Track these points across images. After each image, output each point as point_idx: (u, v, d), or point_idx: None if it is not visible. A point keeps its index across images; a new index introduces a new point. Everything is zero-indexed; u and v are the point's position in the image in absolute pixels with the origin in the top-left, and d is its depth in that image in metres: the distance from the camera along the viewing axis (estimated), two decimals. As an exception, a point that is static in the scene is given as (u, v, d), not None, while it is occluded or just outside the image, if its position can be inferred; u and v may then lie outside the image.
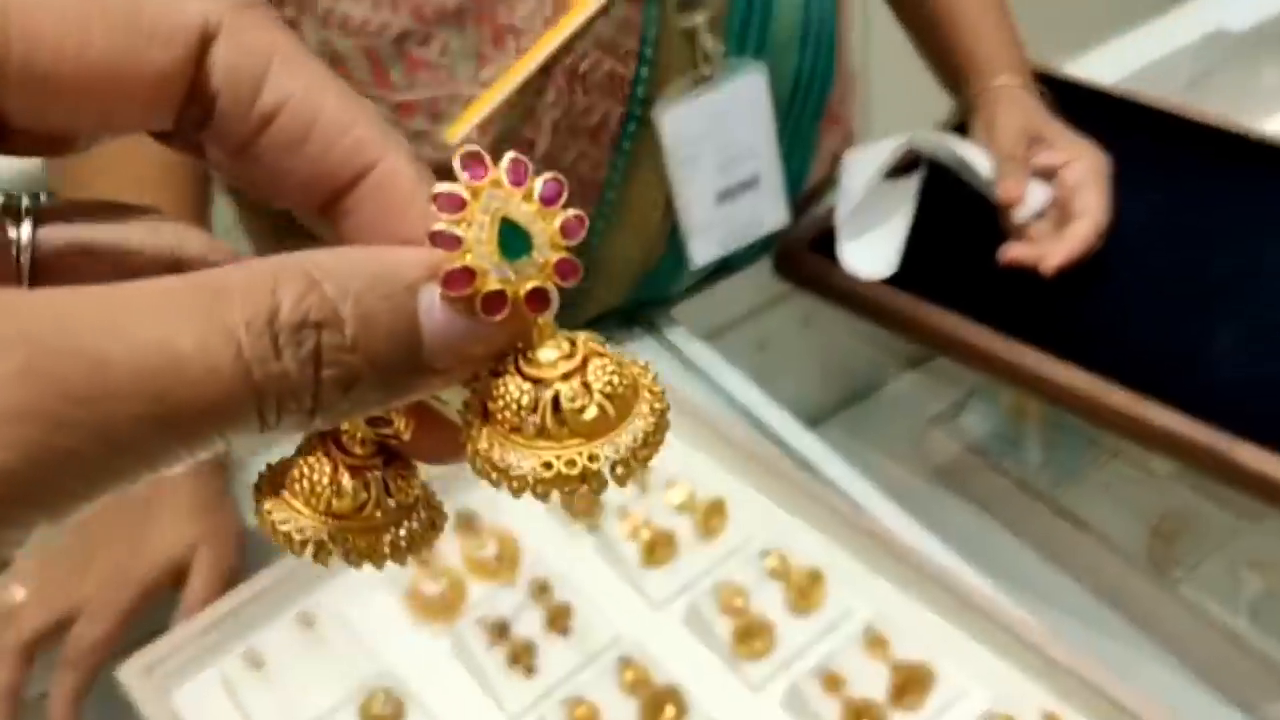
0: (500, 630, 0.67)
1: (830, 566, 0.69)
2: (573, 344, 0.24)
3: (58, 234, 0.25)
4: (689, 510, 0.72)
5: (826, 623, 0.67)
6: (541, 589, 0.69)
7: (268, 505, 0.27)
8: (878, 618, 0.67)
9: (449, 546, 0.72)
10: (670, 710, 0.63)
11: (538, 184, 0.23)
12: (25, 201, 0.25)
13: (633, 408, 0.24)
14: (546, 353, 0.24)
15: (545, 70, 0.73)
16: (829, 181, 0.96)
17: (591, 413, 0.23)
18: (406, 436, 0.27)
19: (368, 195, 0.24)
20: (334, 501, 0.27)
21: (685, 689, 0.64)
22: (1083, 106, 0.95)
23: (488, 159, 0.23)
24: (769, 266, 0.93)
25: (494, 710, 0.65)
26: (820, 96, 0.89)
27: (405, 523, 0.27)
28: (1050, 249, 0.83)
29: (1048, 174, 0.86)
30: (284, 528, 0.27)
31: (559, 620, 0.67)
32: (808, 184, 0.95)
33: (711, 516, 0.72)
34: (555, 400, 0.24)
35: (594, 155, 0.78)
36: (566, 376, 0.24)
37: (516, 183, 0.23)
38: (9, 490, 0.18)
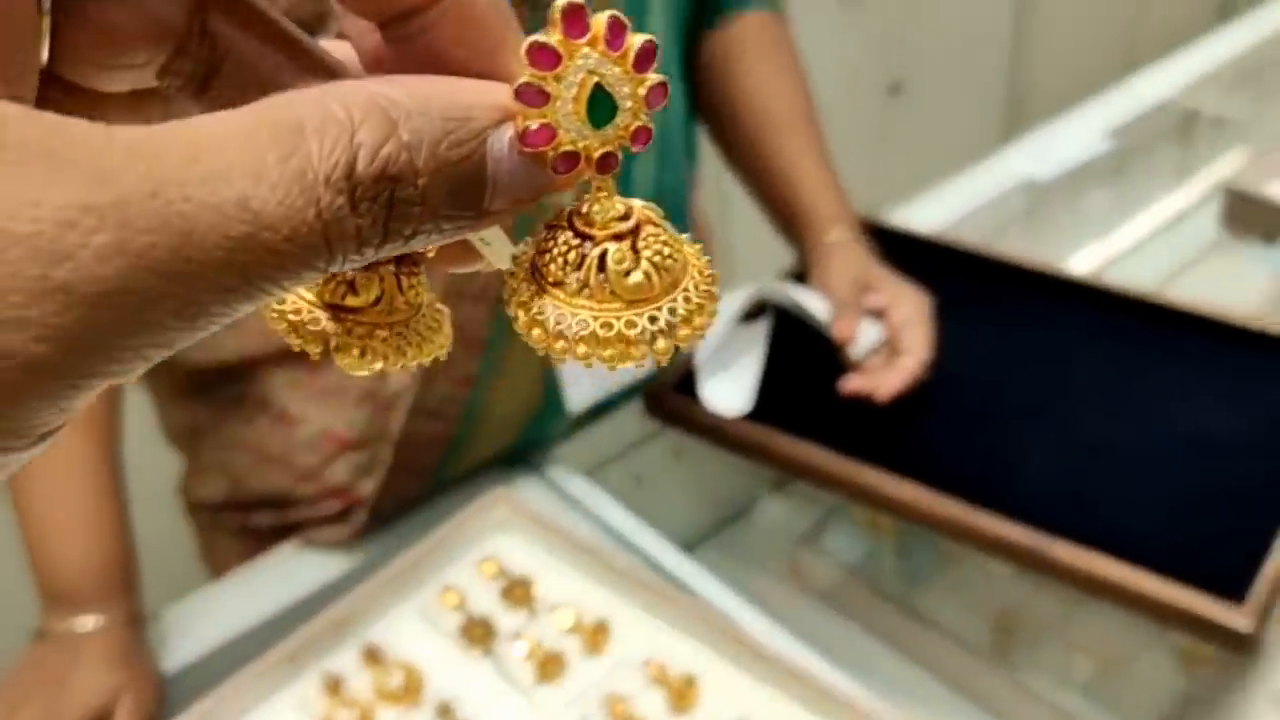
0: (410, 750, 0.74)
1: (703, 671, 0.78)
2: (630, 208, 0.24)
3: None
4: (576, 631, 0.81)
5: (702, 722, 0.76)
6: (445, 711, 0.76)
7: (280, 305, 0.26)
8: (748, 713, 0.75)
9: (358, 682, 0.78)
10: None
11: (636, 43, 0.23)
12: None
13: (680, 283, 0.24)
14: (602, 211, 0.24)
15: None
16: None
17: (636, 277, 0.23)
18: (432, 254, 0.27)
19: (438, 21, 0.23)
20: (349, 297, 0.26)
21: (579, 791, 0.72)
22: (906, 252, 1.08)
23: (589, 15, 0.22)
24: (640, 407, 1.03)
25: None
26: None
27: (414, 320, 0.27)
28: (883, 380, 0.95)
29: (878, 314, 0.98)
30: (294, 318, 0.26)
31: (463, 738, 0.75)
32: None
33: (596, 635, 0.80)
34: (601, 258, 0.23)
35: (478, 316, 0.87)
36: (618, 238, 0.24)
37: (613, 45, 0.23)
38: (90, 363, 0.18)
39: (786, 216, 1.04)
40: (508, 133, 0.22)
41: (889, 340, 0.97)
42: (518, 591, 0.83)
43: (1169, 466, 0.91)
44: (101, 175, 0.17)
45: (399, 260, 0.26)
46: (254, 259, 0.19)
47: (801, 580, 1.06)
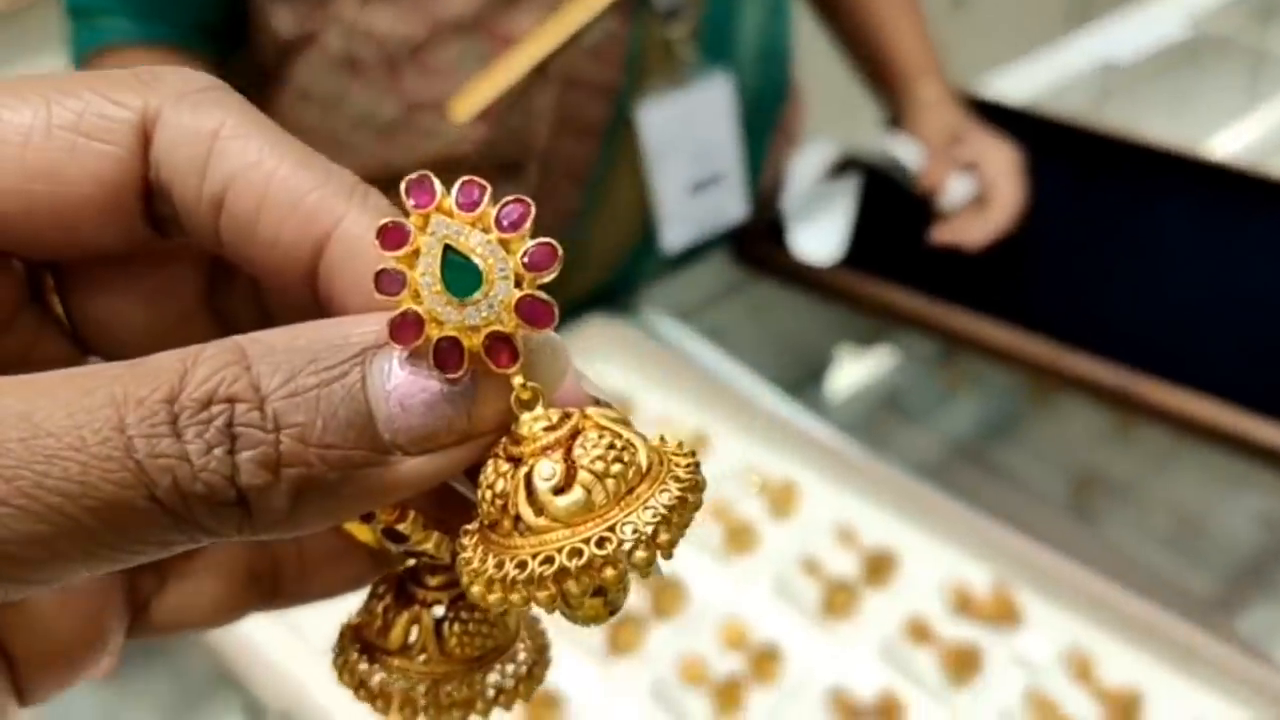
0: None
1: (802, 481, 0.80)
2: (565, 415, 0.20)
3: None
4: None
5: (802, 524, 0.78)
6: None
7: (341, 652, 0.24)
8: (846, 519, 0.78)
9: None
10: (673, 598, 0.73)
11: (494, 209, 0.20)
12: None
13: (639, 492, 0.19)
14: (529, 424, 0.20)
15: (542, 73, 0.85)
16: (777, 187, 1.09)
17: (573, 496, 0.19)
18: (435, 551, 0.23)
19: (335, 264, 0.21)
20: (379, 637, 0.23)
21: (685, 583, 0.74)
22: (994, 123, 1.09)
23: (436, 183, 0.20)
24: (725, 258, 1.05)
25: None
26: (774, 110, 1.02)
27: (476, 675, 0.23)
28: (973, 231, 0.97)
29: (969, 168, 1.00)
30: (341, 669, 0.24)
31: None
32: (760, 191, 1.07)
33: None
34: (528, 481, 0.19)
35: (583, 151, 0.89)
36: (547, 450, 0.19)
37: (468, 207, 0.20)
38: None
39: (879, 72, 1.06)
40: (394, 352, 0.19)
41: (980, 193, 0.99)
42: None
43: (1255, 317, 0.92)
44: None
45: (457, 602, 0.23)
46: (28, 469, 0.17)
47: (874, 432, 1.08)
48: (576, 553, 0.18)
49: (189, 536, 0.19)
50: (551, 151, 0.88)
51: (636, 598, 0.73)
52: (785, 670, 0.69)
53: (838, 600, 0.72)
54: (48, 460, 0.17)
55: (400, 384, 0.19)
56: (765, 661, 0.69)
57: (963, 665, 0.68)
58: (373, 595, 0.24)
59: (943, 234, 0.98)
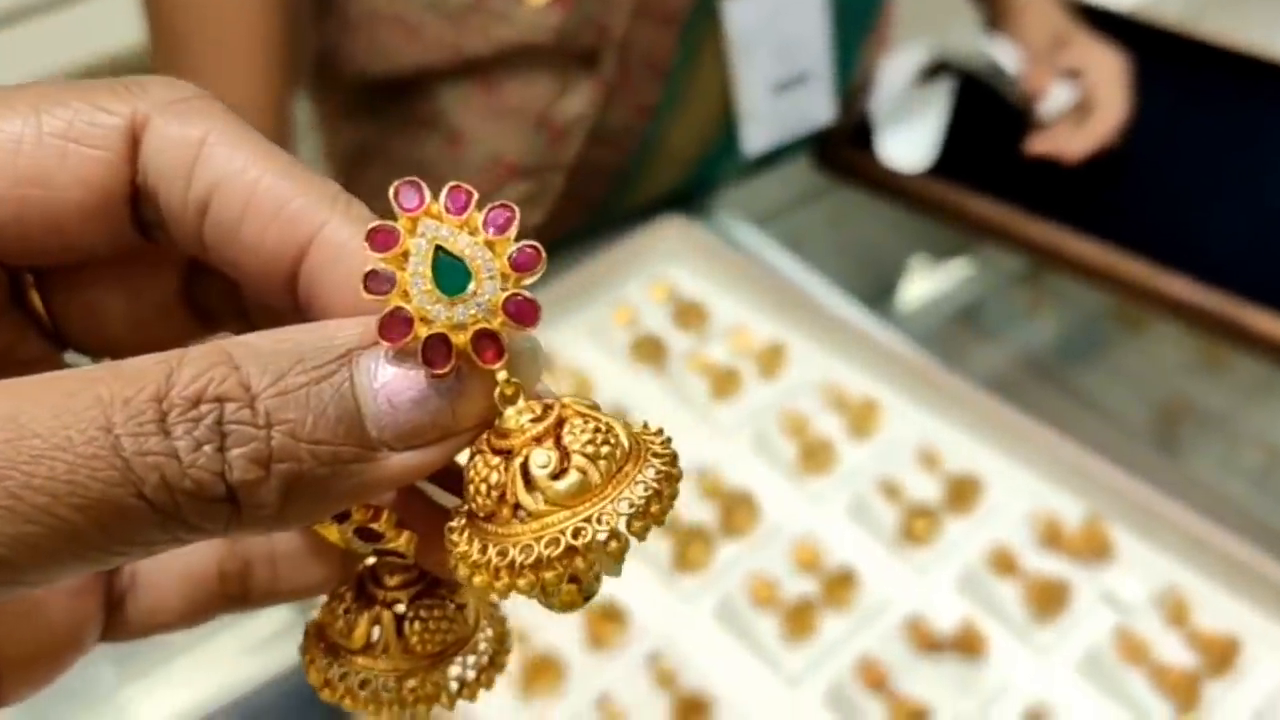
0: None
1: (883, 398, 0.76)
2: (547, 406, 0.21)
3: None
4: (748, 353, 0.79)
5: (881, 444, 0.74)
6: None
7: (307, 651, 0.25)
8: (929, 438, 0.74)
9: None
10: (744, 515, 0.70)
11: (480, 213, 0.21)
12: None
13: (627, 470, 0.20)
14: (514, 418, 0.20)
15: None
16: (865, 91, 1.03)
17: (571, 479, 0.20)
18: (405, 549, 0.23)
19: (316, 270, 0.22)
20: (342, 637, 0.24)
21: (756, 499, 0.71)
22: (1094, 25, 1.03)
23: (424, 187, 0.21)
24: (805, 164, 1.00)
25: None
26: (868, 11, 0.96)
27: (438, 669, 0.24)
28: (1073, 141, 0.91)
29: (1072, 75, 0.94)
30: (308, 668, 0.24)
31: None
32: (847, 95, 1.02)
33: (771, 358, 0.78)
34: (525, 470, 0.20)
35: (664, 41, 0.84)
36: (538, 440, 0.20)
37: (456, 211, 0.21)
38: None
39: (978, -31, 0.99)
40: (381, 351, 0.20)
41: (1082, 100, 0.93)
42: (690, 314, 0.82)
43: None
44: None
45: (422, 593, 0.24)
46: (15, 469, 0.17)
47: (950, 349, 1.03)
48: (579, 531, 0.19)
49: (174, 535, 0.19)
50: (630, 40, 0.83)
51: (706, 513, 0.70)
52: (860, 595, 0.66)
53: (917, 525, 0.69)
54: (34, 460, 0.17)
55: (389, 381, 0.20)
56: (839, 585, 0.66)
57: (1048, 600, 0.65)
58: (334, 596, 0.25)
59: (1040, 144, 0.92)
